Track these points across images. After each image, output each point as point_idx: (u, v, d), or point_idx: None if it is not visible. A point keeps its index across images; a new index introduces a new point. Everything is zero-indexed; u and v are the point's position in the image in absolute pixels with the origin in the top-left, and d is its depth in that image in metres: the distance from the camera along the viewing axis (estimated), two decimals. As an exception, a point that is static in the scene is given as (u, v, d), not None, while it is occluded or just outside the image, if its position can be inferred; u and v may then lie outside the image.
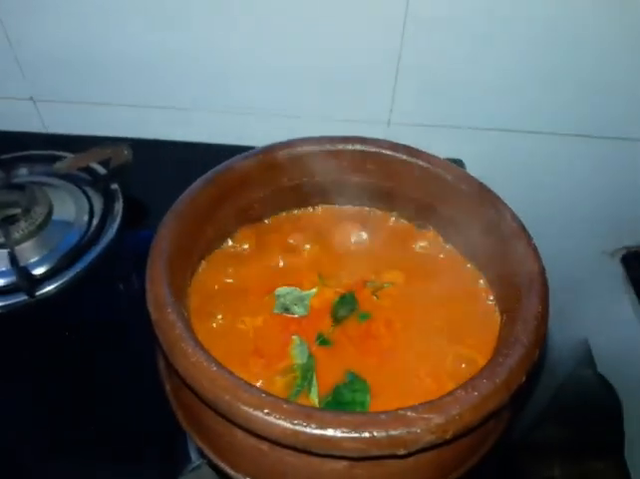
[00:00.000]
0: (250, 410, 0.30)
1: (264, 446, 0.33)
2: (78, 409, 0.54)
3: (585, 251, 0.89)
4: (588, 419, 1.04)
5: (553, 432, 1.06)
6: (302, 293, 0.44)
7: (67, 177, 0.71)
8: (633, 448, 0.92)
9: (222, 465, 0.36)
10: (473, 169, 0.75)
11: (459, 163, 0.76)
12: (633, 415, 0.93)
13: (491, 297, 0.43)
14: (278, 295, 0.44)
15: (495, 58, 0.68)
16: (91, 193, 0.71)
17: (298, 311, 0.43)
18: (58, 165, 0.68)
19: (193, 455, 0.49)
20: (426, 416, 0.30)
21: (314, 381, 0.39)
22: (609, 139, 0.74)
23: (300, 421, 0.30)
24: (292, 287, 0.44)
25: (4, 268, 0.61)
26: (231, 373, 0.32)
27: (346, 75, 0.71)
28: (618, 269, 0.89)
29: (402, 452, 0.30)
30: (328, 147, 0.47)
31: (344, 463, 0.32)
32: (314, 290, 0.44)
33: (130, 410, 0.54)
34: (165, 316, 0.34)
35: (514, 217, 0.41)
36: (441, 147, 0.74)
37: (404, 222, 0.50)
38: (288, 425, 0.30)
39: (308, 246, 0.46)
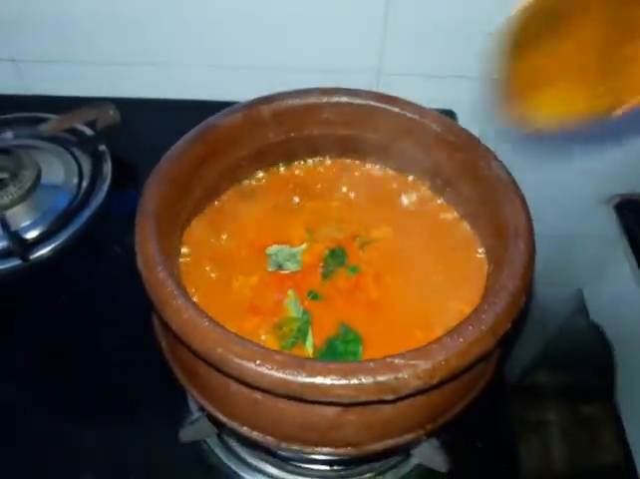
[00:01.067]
0: (243, 362, 0.31)
1: (258, 395, 0.34)
2: (77, 368, 0.55)
3: (579, 200, 0.89)
4: (581, 366, 1.07)
5: (547, 378, 1.09)
6: (293, 250, 0.44)
7: (53, 139, 0.71)
8: (623, 393, 0.95)
9: (219, 415, 0.37)
10: (464, 119, 0.75)
11: (450, 114, 0.76)
12: (624, 362, 0.95)
13: (481, 250, 0.43)
14: (270, 254, 0.44)
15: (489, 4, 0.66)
16: (78, 155, 0.70)
17: (292, 267, 0.43)
18: (43, 127, 0.67)
19: (193, 408, 0.51)
20: (412, 362, 0.31)
21: (309, 334, 0.40)
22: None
23: (291, 370, 0.31)
24: (283, 245, 0.44)
25: (-4, 234, 0.61)
26: (223, 327, 0.33)
27: (334, 23, 0.70)
28: (612, 218, 0.89)
29: (390, 397, 0.31)
30: (313, 100, 0.46)
31: (335, 409, 0.33)
32: (304, 246, 0.44)
33: (129, 368, 0.55)
34: (156, 275, 0.34)
35: (502, 166, 0.41)
36: (432, 97, 0.74)
37: (392, 174, 0.49)
38: (280, 375, 0.31)
39: (296, 201, 0.46)
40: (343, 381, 0.30)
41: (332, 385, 0.30)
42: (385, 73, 0.75)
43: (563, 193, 0.87)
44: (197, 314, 0.33)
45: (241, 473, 0.49)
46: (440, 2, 0.67)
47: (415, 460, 0.49)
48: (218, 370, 0.33)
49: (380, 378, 0.30)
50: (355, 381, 0.30)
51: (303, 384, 0.30)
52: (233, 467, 0.49)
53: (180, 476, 0.49)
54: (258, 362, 0.31)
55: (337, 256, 0.43)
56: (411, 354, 0.31)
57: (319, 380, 0.30)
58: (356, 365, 0.31)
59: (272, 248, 0.44)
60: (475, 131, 0.49)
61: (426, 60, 0.73)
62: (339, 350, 0.39)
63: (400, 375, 0.30)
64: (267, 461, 0.49)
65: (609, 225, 0.90)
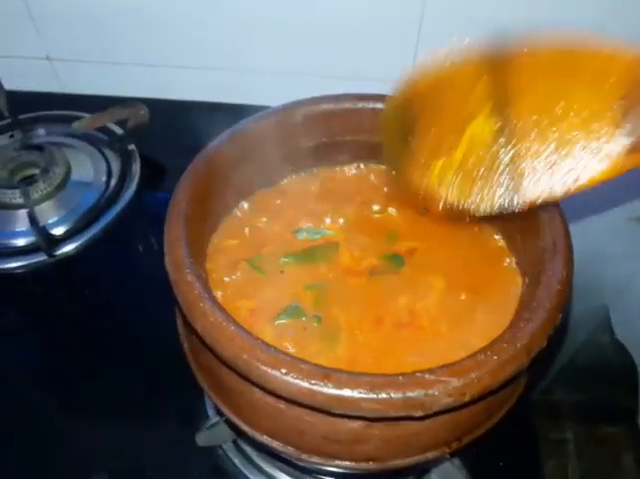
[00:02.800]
0: (268, 370, 0.30)
1: (281, 405, 0.33)
2: (96, 367, 0.55)
3: (611, 217, 0.87)
4: (603, 385, 1.04)
5: (567, 395, 1.06)
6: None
7: (84, 137, 0.71)
8: (647, 416, 0.92)
9: (240, 423, 0.37)
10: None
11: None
12: (648, 383, 0.92)
13: (513, 260, 0.42)
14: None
15: (517, 20, 0.65)
16: (108, 153, 0.71)
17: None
18: (75, 125, 0.67)
19: (211, 412, 0.50)
20: (444, 379, 0.30)
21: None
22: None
23: (317, 381, 0.30)
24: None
25: (24, 228, 0.62)
26: (249, 333, 0.32)
27: (368, 31, 0.69)
28: (642, 235, 0.87)
29: (418, 414, 0.30)
30: (347, 105, 0.45)
31: (360, 422, 0.32)
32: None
33: (148, 368, 0.55)
34: (184, 277, 0.34)
35: (541, 179, 0.40)
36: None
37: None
38: (305, 384, 0.30)
39: (325, 215, 0.46)
40: (371, 395, 0.29)
41: (359, 398, 0.29)
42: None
43: (593, 208, 0.85)
44: (224, 319, 0.32)
45: (256, 480, 0.49)
46: (474, 11, 0.66)
47: (434, 477, 0.48)
48: (242, 377, 0.32)
49: (409, 394, 0.29)
50: (383, 396, 0.29)
51: (329, 396, 0.30)
52: (248, 474, 0.49)
53: (193, 480, 0.49)
54: (284, 371, 0.30)
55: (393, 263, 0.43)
56: (442, 370, 0.30)
57: (346, 393, 0.29)
58: (385, 379, 0.30)
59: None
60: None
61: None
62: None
63: (430, 391, 0.29)
64: (282, 469, 0.49)
65: (638, 243, 0.88)
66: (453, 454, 0.38)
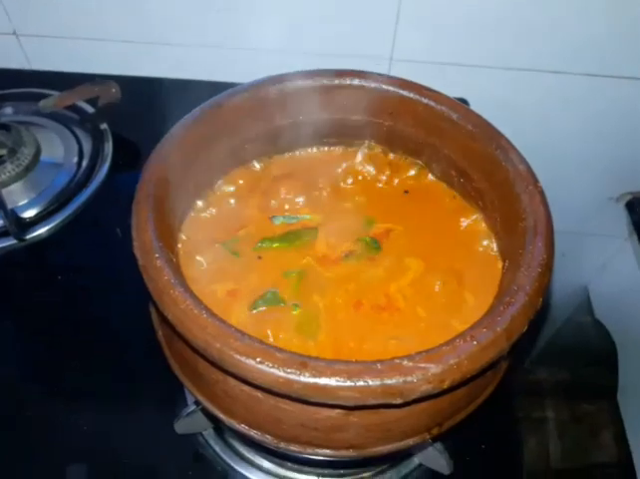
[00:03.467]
0: (242, 358, 0.29)
1: (258, 394, 0.32)
2: (72, 354, 0.54)
3: (590, 197, 0.87)
4: (583, 363, 1.06)
5: (548, 375, 1.07)
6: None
7: (54, 116, 0.69)
8: (626, 393, 0.94)
9: (216, 411, 0.36)
10: (477, 109, 0.73)
11: (463, 102, 0.73)
12: (628, 361, 0.94)
13: (492, 242, 0.41)
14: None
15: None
16: (79, 132, 0.68)
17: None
18: (43, 102, 0.65)
19: (189, 400, 0.49)
20: (422, 365, 0.29)
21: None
22: (616, 78, 0.71)
23: (294, 370, 0.29)
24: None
25: (-9, 211, 0.59)
26: (222, 320, 0.31)
27: (346, 9, 0.67)
28: (623, 216, 0.87)
29: (398, 401, 0.29)
30: (324, 81, 0.44)
31: (338, 411, 0.31)
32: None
33: (126, 354, 0.53)
34: (153, 262, 0.32)
35: (522, 158, 0.39)
36: (445, 85, 0.71)
37: (403, 162, 0.47)
38: (281, 374, 0.29)
39: (300, 198, 0.44)
40: (348, 383, 0.28)
41: (337, 387, 0.28)
42: (397, 59, 0.73)
43: (574, 189, 0.85)
44: (195, 305, 0.31)
45: (237, 467, 0.48)
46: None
47: (417, 459, 0.48)
48: (216, 366, 0.31)
49: (387, 381, 0.28)
50: (361, 383, 0.28)
51: (306, 385, 0.29)
52: (229, 461, 0.48)
53: (175, 468, 0.48)
54: (259, 359, 0.29)
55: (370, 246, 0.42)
56: (420, 356, 0.29)
57: (323, 381, 0.28)
58: (362, 366, 0.29)
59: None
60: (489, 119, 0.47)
61: (438, 47, 0.71)
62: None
63: (409, 379, 0.28)
64: (263, 456, 0.48)
65: (618, 223, 0.88)
66: (435, 440, 0.38)
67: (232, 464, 0.48)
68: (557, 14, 0.65)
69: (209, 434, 0.49)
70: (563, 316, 1.07)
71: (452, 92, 0.71)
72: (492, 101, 0.74)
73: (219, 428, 0.49)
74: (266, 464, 0.48)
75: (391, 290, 0.40)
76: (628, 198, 0.86)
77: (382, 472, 0.48)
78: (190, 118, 0.40)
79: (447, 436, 0.43)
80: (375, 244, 0.42)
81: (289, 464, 0.48)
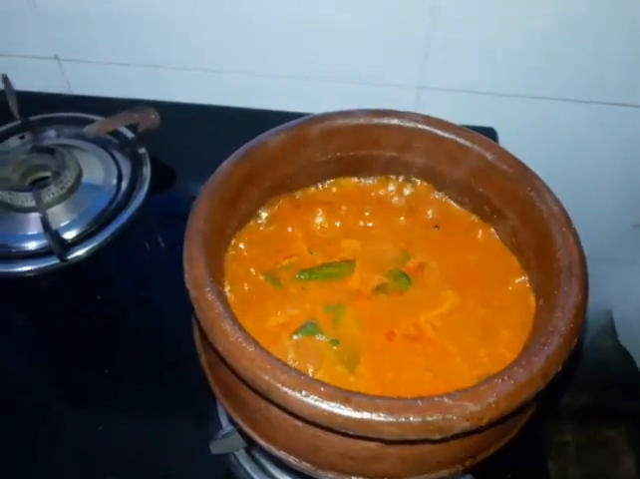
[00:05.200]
0: (288, 391, 0.31)
1: (299, 423, 0.33)
2: (110, 373, 0.55)
3: (615, 223, 0.88)
4: (605, 388, 1.05)
5: (569, 398, 1.07)
6: None
7: (94, 140, 0.71)
8: (647, 419, 0.93)
9: (256, 437, 0.37)
10: (506, 138, 0.74)
11: (491, 132, 0.75)
12: (650, 387, 0.93)
13: (526, 279, 0.43)
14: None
15: (529, 23, 0.66)
16: (118, 156, 0.71)
17: None
18: (87, 128, 0.67)
19: (224, 420, 0.51)
20: (461, 403, 0.30)
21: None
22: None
23: (337, 404, 0.30)
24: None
25: (35, 232, 0.62)
26: (269, 354, 0.32)
27: (378, 36, 0.69)
28: (647, 241, 0.87)
29: (436, 437, 0.30)
30: (362, 121, 0.46)
31: (377, 443, 0.32)
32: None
33: (162, 374, 0.55)
34: (204, 296, 0.34)
35: (555, 199, 0.40)
36: (473, 114, 0.73)
37: (438, 199, 0.49)
38: (325, 407, 0.30)
39: (338, 230, 0.46)
40: (390, 419, 0.30)
41: (378, 422, 0.30)
42: (426, 87, 0.74)
43: (599, 215, 0.86)
44: (244, 339, 0.33)
45: (267, 487, 0.49)
46: (484, 18, 0.66)
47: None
48: (262, 396, 0.33)
49: (428, 418, 0.30)
50: (402, 420, 0.30)
51: (348, 419, 0.30)
52: (259, 480, 0.50)
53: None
54: (304, 393, 0.31)
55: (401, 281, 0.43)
56: (460, 395, 0.31)
57: (365, 416, 0.30)
58: (404, 403, 0.30)
59: None
60: (514, 149, 0.48)
61: (468, 76, 0.72)
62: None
63: (448, 416, 0.30)
64: (293, 477, 0.49)
65: (644, 249, 0.88)
66: (467, 471, 0.39)
67: (263, 484, 0.50)
68: (586, 43, 0.67)
69: (241, 454, 0.51)
70: (587, 340, 1.07)
71: (480, 120, 0.74)
72: (520, 129, 0.76)
73: (250, 448, 0.50)
74: (296, 485, 0.50)
75: (421, 322, 0.41)
76: (653, 224, 0.86)
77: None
78: (236, 156, 0.42)
79: (478, 467, 0.44)
80: (405, 279, 0.43)
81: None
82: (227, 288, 0.41)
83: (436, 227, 0.47)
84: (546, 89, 0.72)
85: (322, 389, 0.31)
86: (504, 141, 0.74)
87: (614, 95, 0.71)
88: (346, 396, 0.31)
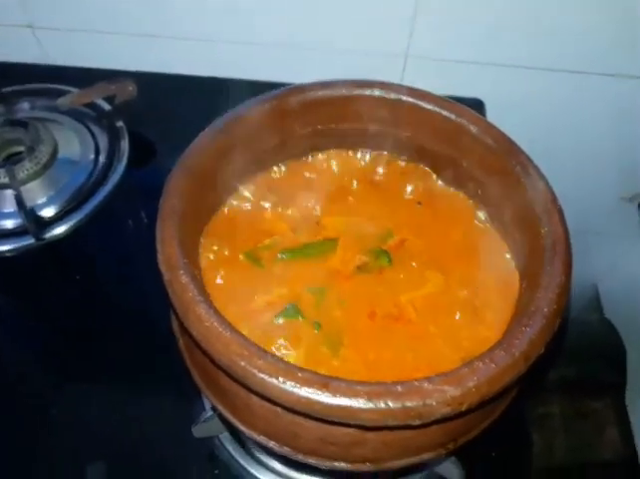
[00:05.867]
0: (265, 377, 0.30)
1: (278, 409, 0.33)
2: (90, 354, 0.54)
3: (603, 197, 0.87)
4: (591, 361, 1.06)
5: (555, 371, 1.08)
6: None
7: (70, 112, 0.69)
8: (634, 391, 0.94)
9: (236, 422, 0.37)
10: (493, 109, 0.73)
11: (479, 103, 0.73)
12: (636, 360, 0.94)
13: (510, 258, 0.42)
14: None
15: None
16: (95, 130, 0.68)
17: None
18: (61, 100, 0.65)
19: (207, 405, 0.50)
20: (441, 388, 0.29)
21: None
22: (632, 78, 0.70)
23: (315, 390, 0.29)
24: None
25: (11, 210, 0.60)
26: (246, 338, 0.31)
27: (363, 4, 0.67)
28: (634, 216, 0.87)
29: (416, 423, 0.30)
30: (344, 92, 0.44)
31: (357, 429, 0.32)
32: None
33: (143, 355, 0.54)
34: (178, 278, 0.33)
35: (540, 174, 0.39)
36: (460, 84, 0.71)
37: (421, 172, 0.47)
38: (303, 393, 0.30)
39: (319, 206, 0.45)
40: (369, 405, 0.29)
41: (357, 408, 0.29)
42: (412, 56, 0.72)
43: (586, 188, 0.85)
44: (219, 323, 0.32)
45: (251, 469, 0.49)
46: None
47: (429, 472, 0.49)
48: (239, 382, 0.32)
49: (407, 403, 0.29)
50: (382, 405, 0.29)
51: (326, 405, 0.29)
52: (243, 463, 0.49)
53: (189, 470, 0.49)
54: (281, 379, 0.30)
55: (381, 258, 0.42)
56: (440, 379, 0.30)
57: (343, 402, 0.29)
58: (383, 388, 0.29)
59: None
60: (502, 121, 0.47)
61: (455, 45, 0.70)
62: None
63: (428, 401, 0.29)
64: (277, 459, 0.49)
65: (630, 222, 0.88)
66: (450, 454, 0.39)
67: (246, 466, 0.49)
68: (578, 13, 0.65)
69: (225, 436, 0.50)
70: (572, 314, 1.07)
71: (467, 91, 0.72)
72: (508, 100, 0.74)
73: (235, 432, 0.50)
74: (279, 467, 0.49)
75: (402, 302, 0.40)
76: (641, 198, 0.86)
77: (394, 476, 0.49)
78: (212, 130, 0.40)
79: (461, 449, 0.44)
80: (385, 257, 0.42)
81: (302, 466, 0.49)
82: (205, 269, 0.40)
83: (418, 203, 0.45)
84: (536, 59, 0.70)
85: (299, 375, 0.30)
86: (492, 113, 0.73)
87: (606, 66, 0.70)
88: (324, 382, 0.30)
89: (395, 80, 0.46)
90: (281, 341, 0.38)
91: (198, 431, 0.47)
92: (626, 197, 0.87)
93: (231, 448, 0.49)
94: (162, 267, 0.34)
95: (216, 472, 0.48)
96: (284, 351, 0.37)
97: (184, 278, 0.33)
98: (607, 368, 1.01)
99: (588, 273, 1.02)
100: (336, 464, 0.35)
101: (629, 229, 0.89)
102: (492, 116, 0.72)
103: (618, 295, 0.98)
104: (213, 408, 0.42)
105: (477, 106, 0.73)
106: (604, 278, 1.02)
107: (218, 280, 0.40)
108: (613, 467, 0.96)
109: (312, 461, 0.35)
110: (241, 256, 0.41)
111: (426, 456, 0.35)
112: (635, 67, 0.69)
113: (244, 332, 0.32)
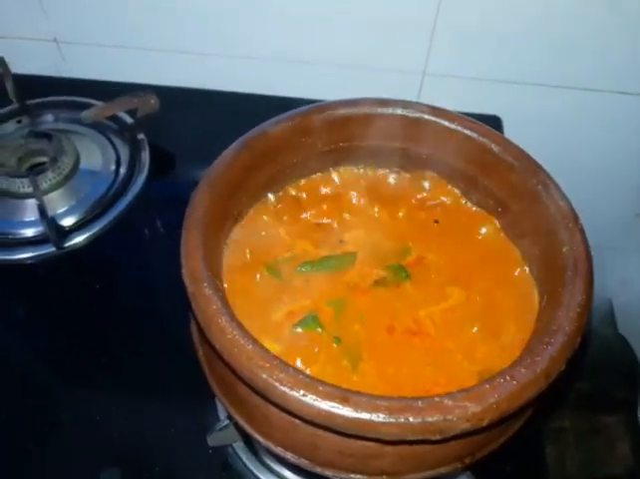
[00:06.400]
0: (286, 390, 0.30)
1: (297, 421, 0.33)
2: (108, 362, 0.55)
3: (618, 212, 0.87)
4: (604, 376, 1.05)
5: (568, 386, 1.07)
6: None
7: (92, 125, 0.70)
8: (646, 407, 0.93)
9: (253, 433, 0.37)
10: (511, 126, 0.73)
11: (496, 120, 0.73)
12: (649, 375, 0.93)
13: (529, 274, 0.42)
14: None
15: (536, 9, 0.64)
16: (117, 142, 0.70)
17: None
18: (85, 113, 0.66)
19: (221, 413, 0.51)
20: (462, 404, 0.30)
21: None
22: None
23: (336, 404, 0.30)
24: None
25: (32, 218, 0.61)
26: (267, 351, 0.32)
27: (381, 22, 0.68)
28: (650, 232, 0.87)
29: (436, 438, 0.30)
30: (366, 110, 0.44)
31: (376, 443, 0.32)
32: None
33: (161, 364, 0.54)
34: (202, 291, 0.33)
35: (562, 194, 0.39)
36: (477, 101, 0.72)
37: (439, 188, 0.48)
38: (324, 406, 0.30)
39: (338, 221, 0.45)
40: (390, 419, 0.29)
41: (377, 422, 0.29)
42: (430, 74, 0.73)
43: (601, 204, 0.85)
44: (242, 336, 0.32)
45: (264, 478, 0.49)
46: (490, 3, 0.64)
47: None
48: (259, 394, 0.32)
49: (428, 419, 0.29)
50: (402, 420, 0.29)
51: (347, 419, 0.30)
52: (257, 472, 0.49)
53: (202, 478, 0.49)
54: (302, 392, 0.30)
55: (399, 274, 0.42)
56: (461, 395, 0.30)
57: (364, 416, 0.29)
58: (404, 403, 0.30)
59: None
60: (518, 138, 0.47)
61: (472, 63, 0.71)
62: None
63: (449, 417, 0.29)
64: (291, 470, 0.49)
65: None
66: (466, 468, 0.39)
67: (260, 475, 0.49)
68: (592, 31, 0.65)
69: (239, 446, 0.50)
70: (586, 328, 1.07)
71: (485, 108, 0.72)
72: (525, 117, 0.74)
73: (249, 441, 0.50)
74: (292, 477, 0.49)
75: (420, 317, 0.41)
76: (656, 214, 0.86)
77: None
78: (236, 145, 0.41)
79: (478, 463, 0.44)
80: (403, 273, 0.43)
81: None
82: (227, 281, 0.41)
83: (435, 221, 0.46)
84: (552, 77, 0.71)
85: (320, 389, 0.30)
86: (509, 129, 0.73)
87: (622, 84, 0.70)
88: (345, 396, 0.30)
89: (412, 97, 0.46)
90: (301, 355, 0.38)
91: (213, 440, 0.48)
92: None
93: (245, 457, 0.49)
94: (187, 280, 0.35)
95: (230, 481, 0.49)
96: (303, 366, 0.38)
97: (208, 291, 0.34)
98: (620, 384, 1.00)
99: (603, 288, 1.01)
100: (352, 476, 0.35)
101: (644, 245, 0.89)
102: (510, 133, 0.72)
103: (632, 310, 0.98)
104: (229, 417, 0.43)
105: (494, 122, 0.73)
106: (619, 294, 1.01)
107: (239, 292, 0.40)
108: (624, 480, 0.95)
109: (329, 473, 0.35)
110: (262, 269, 0.42)
111: (443, 470, 0.35)
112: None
113: (264, 344, 0.33)
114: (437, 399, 0.30)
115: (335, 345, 0.38)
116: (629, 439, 0.98)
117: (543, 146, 0.73)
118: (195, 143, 0.70)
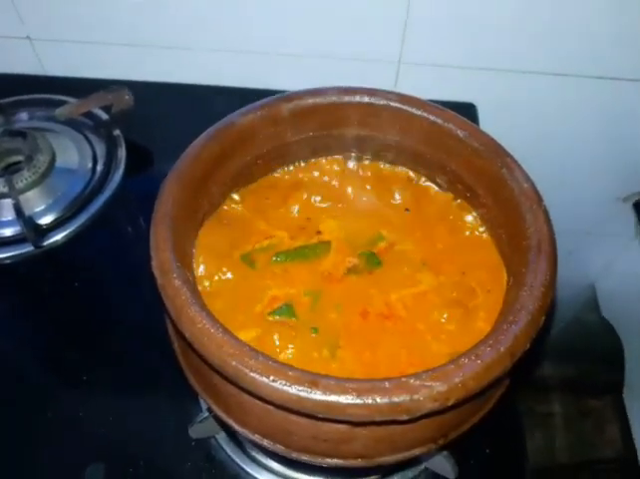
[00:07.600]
0: (256, 376, 0.31)
1: (270, 407, 0.33)
2: (89, 359, 0.55)
3: (599, 197, 0.88)
4: (590, 360, 1.07)
5: (554, 371, 1.09)
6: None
7: (67, 122, 0.70)
8: (632, 390, 0.95)
9: (230, 421, 0.37)
10: (486, 113, 0.74)
11: (471, 108, 0.74)
12: (634, 359, 0.95)
13: (498, 257, 0.43)
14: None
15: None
16: (93, 138, 0.70)
17: None
18: (59, 111, 0.66)
19: (203, 406, 0.51)
20: (428, 384, 0.30)
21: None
22: (624, 80, 0.71)
23: (305, 388, 0.30)
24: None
25: (9, 218, 0.61)
26: (238, 339, 0.32)
27: (356, 11, 0.68)
28: (630, 216, 0.88)
29: (404, 418, 0.30)
30: (334, 99, 0.45)
31: (347, 425, 0.33)
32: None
33: (141, 359, 0.55)
34: (171, 282, 0.34)
35: (526, 176, 0.40)
36: (452, 89, 0.72)
37: (409, 176, 0.48)
38: (293, 391, 0.30)
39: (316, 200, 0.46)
40: (357, 401, 0.30)
41: (346, 404, 0.30)
42: (405, 62, 0.73)
43: (582, 189, 0.86)
44: (212, 325, 0.32)
45: (248, 469, 0.50)
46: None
47: (423, 463, 0.49)
48: (231, 382, 0.32)
49: (395, 399, 0.30)
50: (369, 401, 0.30)
51: (316, 402, 0.30)
52: (240, 462, 0.50)
53: (187, 470, 0.50)
54: (272, 378, 0.30)
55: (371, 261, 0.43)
56: (427, 375, 0.31)
57: (333, 398, 0.30)
58: (371, 385, 0.30)
59: None
60: (496, 124, 0.47)
61: (447, 50, 0.71)
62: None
63: (415, 397, 0.30)
64: (274, 459, 0.50)
65: (626, 222, 0.89)
66: (441, 449, 0.39)
67: (244, 466, 0.50)
68: (571, 17, 0.65)
69: (222, 437, 0.51)
70: (570, 314, 1.08)
71: (460, 95, 0.73)
72: (501, 104, 0.75)
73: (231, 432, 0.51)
74: (276, 466, 0.50)
75: (392, 300, 0.41)
76: (636, 198, 0.87)
77: (389, 474, 0.50)
78: (205, 137, 0.41)
79: (452, 444, 0.44)
80: (375, 259, 0.43)
81: (298, 465, 0.49)
82: (201, 272, 0.41)
83: (406, 209, 0.46)
84: (528, 63, 0.71)
85: (290, 373, 0.31)
86: (485, 116, 0.74)
87: (600, 68, 0.70)
88: (314, 380, 0.30)
89: (389, 86, 0.46)
90: (277, 345, 0.38)
91: (195, 432, 0.48)
92: (621, 197, 0.87)
93: (228, 448, 0.50)
94: (156, 272, 0.35)
95: (214, 472, 0.49)
96: (281, 356, 0.38)
97: (177, 282, 0.34)
98: (606, 367, 1.02)
99: (586, 274, 1.03)
100: (329, 460, 0.36)
101: (625, 229, 0.90)
102: (486, 119, 0.73)
103: (615, 295, 0.99)
104: (209, 409, 0.43)
105: (469, 109, 0.74)
106: (601, 279, 1.02)
107: (213, 284, 0.41)
108: (614, 464, 0.97)
109: (305, 458, 0.36)
110: (237, 259, 0.42)
111: (417, 451, 0.36)
112: (627, 70, 0.70)
113: (240, 334, 0.33)
114: (403, 379, 0.30)
115: (313, 335, 0.39)
116: (617, 422, 1.00)
117: (521, 132, 0.74)
118: (172, 138, 0.69)
